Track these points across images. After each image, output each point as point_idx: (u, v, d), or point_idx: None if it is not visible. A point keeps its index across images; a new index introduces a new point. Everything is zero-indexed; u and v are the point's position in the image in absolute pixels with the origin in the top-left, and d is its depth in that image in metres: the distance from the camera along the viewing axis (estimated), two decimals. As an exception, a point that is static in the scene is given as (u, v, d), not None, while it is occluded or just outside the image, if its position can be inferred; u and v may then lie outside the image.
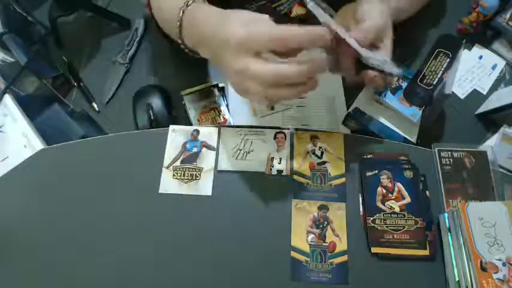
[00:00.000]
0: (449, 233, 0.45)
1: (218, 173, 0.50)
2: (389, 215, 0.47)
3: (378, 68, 0.44)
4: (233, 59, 0.39)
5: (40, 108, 0.59)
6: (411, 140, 0.52)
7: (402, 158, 0.51)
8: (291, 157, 0.51)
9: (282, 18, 0.67)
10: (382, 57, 0.44)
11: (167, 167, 0.51)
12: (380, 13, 0.46)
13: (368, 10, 0.46)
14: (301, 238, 0.47)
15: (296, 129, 0.53)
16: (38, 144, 0.54)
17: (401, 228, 0.47)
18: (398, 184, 0.49)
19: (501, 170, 0.50)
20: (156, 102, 0.62)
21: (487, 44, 0.65)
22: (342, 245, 0.47)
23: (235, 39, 0.38)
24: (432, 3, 0.60)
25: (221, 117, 0.61)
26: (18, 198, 0.51)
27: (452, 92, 0.62)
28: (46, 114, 0.58)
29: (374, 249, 0.46)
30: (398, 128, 0.52)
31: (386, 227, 0.47)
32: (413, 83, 0.51)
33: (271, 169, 0.51)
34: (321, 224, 0.48)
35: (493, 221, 0.43)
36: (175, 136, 0.52)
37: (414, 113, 0.51)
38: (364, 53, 0.43)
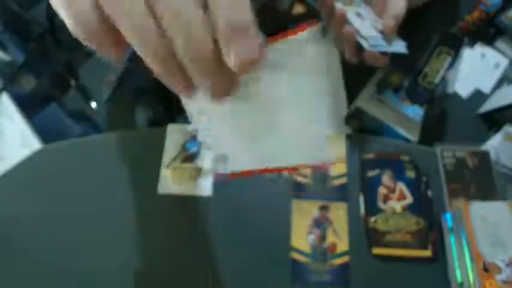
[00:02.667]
0: (451, 234, 0.45)
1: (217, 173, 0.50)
2: (390, 215, 0.47)
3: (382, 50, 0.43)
4: None
5: (37, 107, 0.58)
6: (413, 139, 0.52)
7: (404, 157, 0.50)
8: (292, 157, 0.51)
9: (282, 16, 0.66)
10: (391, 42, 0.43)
11: (166, 167, 0.50)
12: None
13: None
14: (301, 239, 0.46)
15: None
16: (35, 144, 0.54)
17: (403, 228, 0.46)
18: (400, 184, 0.48)
19: (504, 169, 0.50)
20: (156, 101, 0.62)
21: (489, 42, 0.64)
22: (342, 245, 0.46)
23: None
24: (434, 1, 0.59)
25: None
26: (16, 198, 0.50)
27: (454, 90, 0.62)
28: (43, 114, 0.58)
29: (375, 250, 0.46)
30: (400, 127, 0.52)
31: (388, 227, 0.46)
32: (415, 81, 0.50)
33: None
34: (321, 224, 0.47)
35: (496, 221, 0.43)
36: (175, 136, 0.52)
37: (416, 112, 0.51)
38: (370, 41, 0.41)
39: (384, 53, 0.43)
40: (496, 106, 0.58)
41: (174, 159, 0.51)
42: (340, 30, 0.43)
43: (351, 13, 0.42)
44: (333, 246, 0.46)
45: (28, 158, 0.52)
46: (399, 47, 0.44)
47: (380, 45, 0.43)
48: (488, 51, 0.64)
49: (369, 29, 0.43)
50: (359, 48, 0.43)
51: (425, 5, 0.57)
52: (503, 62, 0.63)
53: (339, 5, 0.42)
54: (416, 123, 0.51)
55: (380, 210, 0.47)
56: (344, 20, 0.42)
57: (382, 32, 0.44)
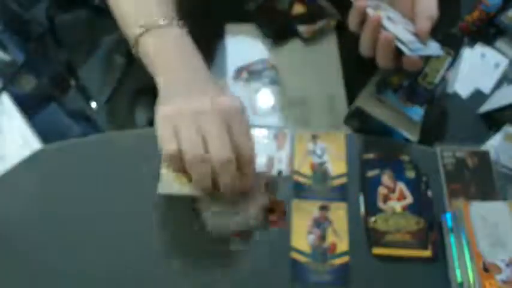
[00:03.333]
0: (451, 234, 0.45)
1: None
2: (390, 215, 0.47)
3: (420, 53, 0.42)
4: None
5: (37, 107, 0.58)
6: (413, 139, 0.52)
7: (404, 157, 0.50)
8: (291, 157, 0.51)
9: (282, 16, 0.66)
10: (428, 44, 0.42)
11: (166, 167, 0.50)
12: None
13: None
14: (301, 239, 0.46)
15: (296, 129, 0.53)
16: (35, 144, 0.54)
17: (403, 228, 0.46)
18: (400, 184, 0.49)
19: (504, 169, 0.50)
20: (155, 101, 0.62)
21: (489, 42, 0.64)
22: (342, 245, 0.46)
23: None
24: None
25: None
26: (16, 198, 0.50)
27: (455, 90, 0.62)
28: (43, 113, 0.58)
29: (375, 250, 0.46)
30: (400, 127, 0.52)
31: (388, 227, 0.46)
32: (415, 81, 0.51)
33: (271, 169, 0.50)
34: (321, 224, 0.47)
35: (496, 221, 0.43)
36: (174, 135, 0.52)
37: (416, 112, 0.51)
38: (410, 45, 0.41)
39: (420, 56, 0.42)
40: (496, 106, 0.58)
41: (174, 159, 0.51)
42: (375, 36, 0.41)
43: (383, 18, 0.42)
44: (333, 246, 0.46)
45: (28, 158, 0.52)
46: (435, 49, 0.43)
47: (419, 49, 0.41)
48: (488, 51, 0.64)
49: (404, 33, 0.42)
50: (397, 53, 0.42)
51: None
52: (503, 62, 0.63)
53: (370, 11, 0.41)
54: (417, 123, 0.51)
55: (380, 210, 0.47)
56: (379, 26, 0.41)
57: (416, 35, 0.43)
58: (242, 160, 0.40)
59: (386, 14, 0.43)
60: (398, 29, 0.42)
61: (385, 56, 0.42)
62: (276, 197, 0.47)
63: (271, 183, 0.48)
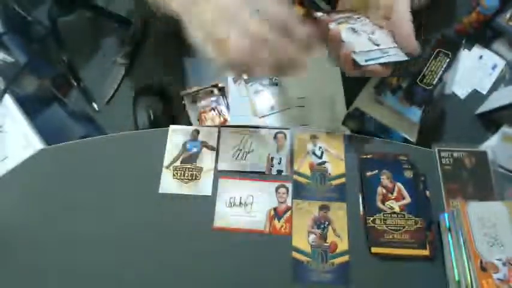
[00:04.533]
0: (449, 233, 0.45)
1: (218, 173, 0.50)
2: (389, 215, 0.47)
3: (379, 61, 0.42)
4: None
5: (40, 108, 0.59)
6: (411, 140, 0.52)
7: (402, 158, 0.51)
8: (291, 157, 0.51)
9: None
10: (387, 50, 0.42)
11: (167, 167, 0.51)
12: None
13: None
14: (302, 238, 0.47)
15: (296, 129, 0.53)
16: (37, 144, 0.54)
17: (401, 228, 0.47)
18: (399, 184, 0.49)
19: (501, 170, 0.50)
20: (156, 102, 0.62)
21: (487, 44, 0.65)
22: (343, 245, 0.47)
23: None
24: (431, 3, 0.60)
25: (221, 117, 0.61)
26: (18, 199, 0.50)
27: (452, 92, 0.63)
28: (46, 114, 0.58)
29: (374, 249, 0.46)
30: (398, 127, 0.52)
31: (387, 227, 0.47)
32: (414, 83, 0.51)
33: (271, 169, 0.50)
34: (321, 224, 0.48)
35: (493, 221, 0.43)
36: (176, 136, 0.52)
37: (414, 112, 0.51)
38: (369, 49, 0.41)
39: (385, 64, 0.42)
40: (494, 107, 0.59)
41: (175, 159, 0.51)
42: (337, 49, 0.42)
43: (345, 30, 0.42)
44: (334, 245, 0.47)
45: (30, 159, 0.52)
46: (396, 55, 0.44)
47: (377, 58, 0.42)
48: (485, 52, 0.65)
49: (365, 43, 0.42)
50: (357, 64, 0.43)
51: (421, 9, 0.58)
52: (500, 64, 0.64)
53: (332, 25, 0.42)
54: (415, 124, 0.52)
55: (379, 210, 0.48)
56: (339, 40, 0.42)
57: (379, 44, 0.43)
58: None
59: (352, 26, 0.44)
60: (360, 39, 0.42)
61: (348, 67, 0.43)
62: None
63: None
